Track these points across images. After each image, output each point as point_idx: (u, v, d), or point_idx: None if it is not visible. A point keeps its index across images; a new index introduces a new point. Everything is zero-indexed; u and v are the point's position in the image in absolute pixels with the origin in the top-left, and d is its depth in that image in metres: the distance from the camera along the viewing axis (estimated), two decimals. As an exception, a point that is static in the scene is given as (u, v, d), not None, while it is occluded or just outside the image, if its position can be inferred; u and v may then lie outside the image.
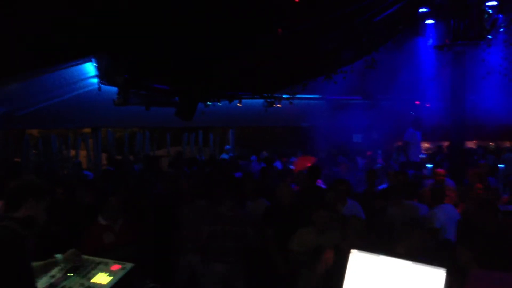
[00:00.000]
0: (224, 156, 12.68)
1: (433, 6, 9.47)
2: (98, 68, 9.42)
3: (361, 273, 2.32)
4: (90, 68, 9.56)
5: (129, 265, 3.14)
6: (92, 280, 3.04)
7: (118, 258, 3.31)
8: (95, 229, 4.85)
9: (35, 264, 2.93)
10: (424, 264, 2.17)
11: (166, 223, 5.55)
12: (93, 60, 9.10)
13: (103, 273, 3.09)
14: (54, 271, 3.14)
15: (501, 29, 9.06)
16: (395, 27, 9.53)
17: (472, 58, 9.65)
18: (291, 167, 10.63)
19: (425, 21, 9.80)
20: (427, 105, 13.03)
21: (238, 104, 12.65)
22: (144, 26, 7.77)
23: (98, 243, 4.64)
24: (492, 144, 16.31)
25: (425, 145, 12.86)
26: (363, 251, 2.37)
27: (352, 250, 2.39)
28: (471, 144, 15.71)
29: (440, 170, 6.97)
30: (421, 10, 9.48)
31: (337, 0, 8.48)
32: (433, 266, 2.14)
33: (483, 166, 8.99)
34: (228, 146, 14.44)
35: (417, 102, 13.59)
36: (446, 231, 5.29)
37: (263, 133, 16.39)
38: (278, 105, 12.95)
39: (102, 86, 10.02)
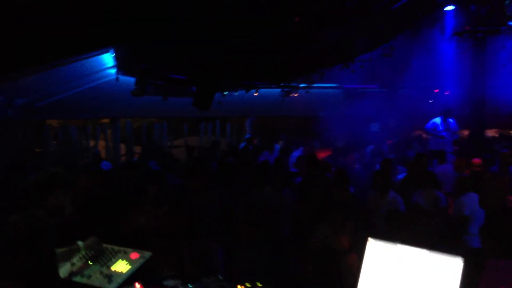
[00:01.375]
0: (243, 145, 12.70)
1: (453, -8, 9.30)
2: (116, 59, 9.51)
3: (378, 261, 2.32)
4: (108, 58, 9.66)
5: (147, 254, 3.19)
6: (111, 268, 3.09)
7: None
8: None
9: (58, 250, 3.01)
10: (441, 253, 2.16)
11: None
12: (111, 51, 9.19)
13: (122, 261, 3.15)
14: (75, 259, 3.20)
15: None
16: (413, 14, 9.36)
17: (492, 45, 9.46)
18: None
19: (444, 7, 9.62)
20: (446, 93, 12.86)
21: (255, 94, 12.66)
22: (161, 16, 7.80)
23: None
24: (512, 132, 16.05)
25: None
26: (379, 240, 2.36)
27: (369, 239, 2.39)
28: (492, 133, 15.48)
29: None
30: (441, -4, 9.31)
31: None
32: (450, 255, 2.13)
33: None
34: (248, 136, 14.46)
35: (436, 90, 13.43)
36: (474, 219, 5.24)
37: (281, 123, 16.36)
38: (295, 94, 12.92)
39: (120, 76, 10.13)
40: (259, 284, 2.76)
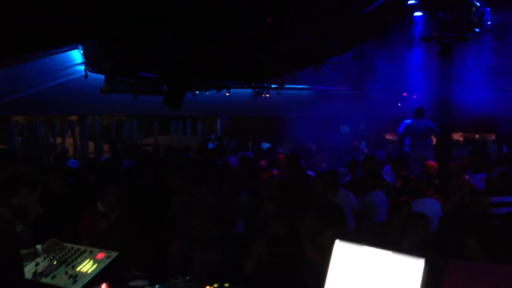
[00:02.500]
0: (210, 145, 12.69)
1: (421, -1, 9.49)
2: (85, 55, 9.35)
3: (344, 262, 2.36)
4: (76, 55, 9.49)
5: (114, 254, 3.15)
6: (77, 269, 3.05)
7: (108, 247, 3.32)
8: (92, 214, 4.85)
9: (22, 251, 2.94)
10: (404, 254, 2.21)
11: (158, 212, 5.56)
12: (80, 47, 9.03)
13: (88, 261, 3.10)
14: (39, 259, 3.14)
15: (489, 22, 9.10)
16: (383, 19, 9.53)
17: (459, 51, 9.70)
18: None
19: (413, 13, 9.82)
20: (414, 96, 13.12)
21: (227, 94, 12.65)
22: (132, 13, 7.71)
23: (92, 229, 4.65)
24: (478, 136, 16.49)
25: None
26: (346, 241, 2.40)
27: (336, 241, 2.42)
28: (457, 136, 15.87)
29: (432, 163, 7.02)
30: (410, 2, 9.49)
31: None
32: (412, 256, 2.18)
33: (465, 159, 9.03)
34: (213, 136, 14.45)
35: (404, 94, 13.70)
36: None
37: (251, 123, 16.40)
38: (267, 95, 12.97)
39: (89, 73, 9.96)
40: (226, 285, 2.77)
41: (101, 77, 9.77)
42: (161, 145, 13.74)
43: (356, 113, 13.81)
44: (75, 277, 2.96)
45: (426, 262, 2.12)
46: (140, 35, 8.36)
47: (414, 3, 9.46)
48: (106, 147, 13.71)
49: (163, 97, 10.16)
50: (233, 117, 17.14)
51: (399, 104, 13.28)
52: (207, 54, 9.26)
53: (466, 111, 11.29)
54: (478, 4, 8.80)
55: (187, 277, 2.90)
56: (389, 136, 15.26)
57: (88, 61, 9.40)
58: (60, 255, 3.21)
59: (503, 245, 4.14)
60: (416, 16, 9.73)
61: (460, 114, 11.03)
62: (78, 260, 3.13)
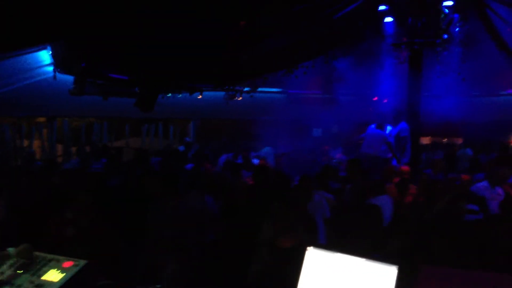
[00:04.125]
0: (182, 148, 12.57)
1: (392, 4, 9.63)
2: (54, 56, 9.16)
3: (317, 270, 2.35)
4: (45, 56, 9.30)
5: (82, 262, 3.04)
6: (42, 278, 2.93)
7: (75, 254, 3.22)
8: (58, 220, 4.72)
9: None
10: (377, 261, 2.21)
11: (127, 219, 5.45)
12: (48, 47, 8.85)
13: (55, 270, 2.99)
14: (3, 268, 3.02)
15: (457, 29, 9.30)
16: (355, 24, 9.63)
17: (428, 56, 9.88)
18: (255, 161, 10.59)
19: (384, 18, 9.95)
20: (385, 101, 13.30)
21: (199, 96, 12.58)
22: (103, 14, 7.59)
23: (59, 236, 4.52)
24: (445, 140, 16.81)
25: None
26: (319, 248, 2.39)
27: (308, 247, 2.41)
28: (425, 140, 16.14)
29: (405, 168, 7.12)
30: (381, 7, 9.62)
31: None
32: (385, 263, 2.18)
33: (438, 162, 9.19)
34: (188, 139, 14.32)
35: (375, 98, 13.86)
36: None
37: (224, 126, 16.34)
38: (239, 98, 12.95)
39: (58, 74, 9.76)
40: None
41: (71, 78, 9.59)
42: (132, 147, 13.55)
43: (328, 116, 13.91)
44: (41, 286, 2.85)
45: (399, 270, 2.13)
46: (111, 36, 8.25)
47: (385, 9, 9.61)
48: (74, 149, 13.46)
49: (135, 99, 10.05)
50: (204, 119, 17.04)
51: (371, 109, 13.44)
52: (179, 56, 9.20)
53: (434, 116, 11.51)
54: (446, 11, 8.98)
55: (158, 286, 2.84)
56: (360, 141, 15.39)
57: (57, 62, 9.21)
58: (26, 264, 3.09)
59: (469, 251, 4.23)
60: (387, 22, 9.86)
61: (428, 119, 11.24)
62: (44, 268, 3.02)
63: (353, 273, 2.24)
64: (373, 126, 10.37)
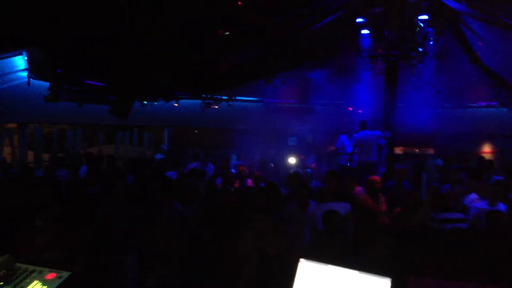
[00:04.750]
0: (159, 156, 12.46)
1: (368, 17, 9.83)
2: (29, 62, 9.00)
3: (310, 282, 2.36)
4: (20, 61, 9.13)
5: (65, 274, 2.98)
6: (26, 291, 2.87)
7: (47, 263, 3.15)
8: (28, 230, 4.61)
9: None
10: (370, 274, 2.24)
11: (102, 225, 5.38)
12: (24, 53, 8.69)
13: (37, 282, 2.92)
14: (-17, 281, 2.93)
15: (431, 43, 9.54)
16: (333, 35, 9.78)
17: (403, 68, 10.08)
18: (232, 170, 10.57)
19: (361, 31, 10.14)
20: (359, 111, 13.48)
21: (175, 104, 12.52)
22: (80, 20, 7.51)
23: (29, 246, 4.41)
24: (417, 150, 17.11)
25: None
26: (311, 260, 2.40)
27: (300, 259, 2.42)
28: (398, 150, 16.39)
29: (376, 178, 7.22)
30: (358, 20, 9.80)
31: (277, 7, 8.60)
32: (378, 276, 2.21)
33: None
34: (164, 146, 14.21)
35: (350, 108, 14.04)
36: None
37: (200, 134, 16.29)
38: (216, 107, 12.94)
39: (32, 80, 9.58)
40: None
41: (45, 84, 9.42)
42: (106, 155, 13.34)
43: (304, 126, 14.01)
44: (24, 299, 2.78)
45: (392, 282, 2.16)
46: (87, 43, 8.16)
47: (362, 21, 9.78)
48: (46, 156, 13.17)
49: (110, 106, 9.92)
50: (179, 128, 16.94)
51: (346, 119, 13.61)
52: (158, 64, 9.15)
53: (407, 127, 11.72)
54: (421, 24, 9.21)
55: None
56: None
57: (32, 68, 9.04)
58: (6, 276, 3.00)
59: (450, 260, 4.31)
60: (363, 34, 10.04)
61: (401, 129, 11.44)
62: (27, 281, 2.94)
63: (346, 286, 2.26)
64: (344, 136, 10.56)
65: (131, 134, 15.30)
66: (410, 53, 9.64)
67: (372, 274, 2.23)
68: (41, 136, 13.55)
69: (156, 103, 12.19)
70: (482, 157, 12.57)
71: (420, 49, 9.43)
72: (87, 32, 7.80)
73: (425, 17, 9.22)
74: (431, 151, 16.32)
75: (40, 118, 12.87)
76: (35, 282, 2.94)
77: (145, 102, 11.71)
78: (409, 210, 5.41)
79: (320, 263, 2.38)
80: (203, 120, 13.55)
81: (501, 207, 6.33)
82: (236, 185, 8.42)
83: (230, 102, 12.34)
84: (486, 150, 13.82)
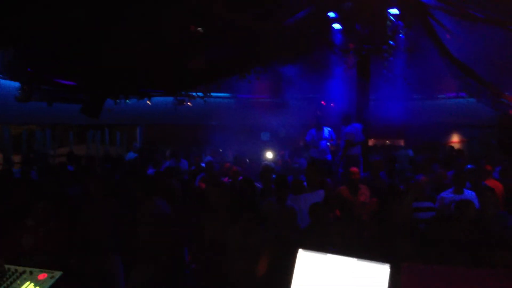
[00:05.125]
0: (132, 154, 12.32)
1: (340, 12, 9.93)
2: (-1, 62, 8.77)
3: (309, 272, 2.40)
4: (-12, 61, 8.87)
5: (57, 274, 2.95)
6: (19, 292, 2.82)
7: (36, 264, 3.10)
8: (17, 231, 4.54)
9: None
10: (369, 261, 2.29)
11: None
12: (-7, 52, 8.46)
13: (30, 282, 2.88)
14: (-28, 285, 2.87)
15: (402, 36, 9.70)
16: (305, 30, 9.83)
17: (375, 62, 10.24)
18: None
19: (332, 25, 10.24)
20: (332, 105, 13.65)
21: (148, 102, 12.40)
22: (50, 18, 7.36)
23: (16, 247, 4.35)
24: (388, 142, 17.45)
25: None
26: (309, 250, 2.44)
27: (299, 250, 2.46)
28: (370, 142, 16.67)
29: (354, 169, 7.34)
30: (330, 14, 9.89)
31: (248, 1, 8.60)
32: (377, 262, 2.27)
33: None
34: (136, 144, 14.06)
35: (322, 102, 14.20)
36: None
37: (172, 131, 16.15)
38: (189, 103, 12.87)
39: (0, 80, 9.36)
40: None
41: (14, 84, 9.20)
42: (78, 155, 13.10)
43: (277, 120, 14.10)
44: (18, 301, 2.74)
45: (391, 268, 2.22)
46: (57, 41, 8.01)
47: (334, 16, 9.88)
48: (17, 158, 12.85)
49: (80, 105, 9.75)
50: (152, 125, 16.78)
51: (318, 113, 13.74)
52: (129, 62, 9.03)
53: (378, 119, 11.94)
54: (392, 18, 9.36)
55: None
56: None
57: (1, 68, 8.81)
58: (-2, 277, 2.95)
59: (431, 247, 4.44)
60: (336, 28, 10.15)
61: (373, 122, 11.65)
62: (18, 282, 2.89)
63: (346, 274, 2.31)
64: (313, 129, 10.69)
65: (102, 133, 15.06)
66: (381, 47, 9.79)
67: (371, 261, 2.28)
68: (9, 137, 13.22)
69: (128, 101, 12.04)
70: (452, 147, 12.92)
71: (392, 43, 9.59)
72: (57, 30, 7.66)
73: (395, 11, 9.38)
74: (401, 142, 16.68)
75: (8, 119, 12.57)
76: (27, 283, 2.90)
77: (118, 101, 11.54)
78: (392, 201, 5.52)
79: (319, 252, 2.43)
80: (175, 117, 13.47)
81: (468, 193, 6.54)
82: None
83: (204, 99, 12.28)
84: (455, 140, 14.20)
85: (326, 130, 10.70)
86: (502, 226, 5.41)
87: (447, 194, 6.61)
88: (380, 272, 2.24)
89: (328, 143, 10.65)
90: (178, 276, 5.25)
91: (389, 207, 5.26)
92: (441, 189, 7.05)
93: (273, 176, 7.95)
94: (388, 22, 9.47)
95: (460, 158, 10.01)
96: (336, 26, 10.14)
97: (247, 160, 10.32)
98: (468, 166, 8.40)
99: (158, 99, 12.61)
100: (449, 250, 4.34)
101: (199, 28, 9.08)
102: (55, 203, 4.88)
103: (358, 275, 2.28)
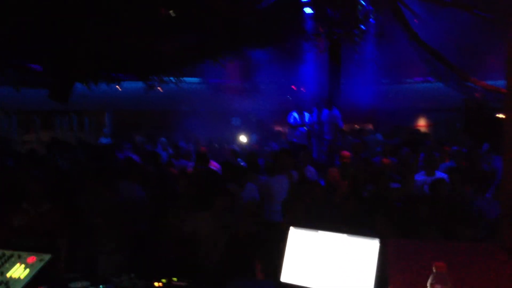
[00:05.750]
0: (103, 140, 12.15)
1: (311, -4, 10.00)
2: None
3: (301, 249, 2.46)
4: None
5: (46, 257, 2.92)
6: (7, 275, 2.79)
7: (21, 248, 3.08)
8: (11, 211, 4.48)
9: None
10: (359, 236, 2.37)
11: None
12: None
13: (19, 266, 2.85)
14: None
15: (372, 21, 9.85)
16: (277, 14, 9.85)
17: (346, 47, 10.37)
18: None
19: (303, 9, 10.29)
20: (302, 89, 13.74)
21: (117, 87, 12.18)
22: (15, 1, 7.17)
23: (7, 226, 4.29)
24: (357, 126, 17.67)
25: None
26: (301, 228, 2.50)
27: (290, 227, 2.51)
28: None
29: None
30: (301, -1, 9.95)
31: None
32: (367, 237, 2.34)
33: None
34: (106, 130, 13.85)
35: (293, 87, 14.27)
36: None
37: (142, 117, 15.96)
38: (159, 88, 12.70)
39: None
40: (175, 279, 2.74)
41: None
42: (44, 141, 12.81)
43: (247, 105, 14.09)
44: (7, 283, 2.71)
45: (381, 242, 2.30)
46: (23, 25, 7.80)
47: (306, 0, 9.93)
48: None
49: (44, 90, 9.53)
50: (120, 111, 16.52)
51: (289, 97, 13.82)
52: (98, 45, 8.86)
53: (348, 104, 12.10)
54: (363, 3, 9.48)
55: (132, 275, 2.80)
56: (278, 128, 15.77)
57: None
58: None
59: (408, 223, 4.61)
60: (307, 13, 10.20)
61: (343, 106, 11.80)
62: (7, 265, 2.86)
63: (337, 249, 2.38)
64: (294, 112, 10.77)
65: (70, 119, 14.76)
66: (352, 31, 9.91)
67: (361, 236, 2.36)
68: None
69: (96, 86, 11.80)
70: (417, 130, 13.25)
71: (362, 27, 9.73)
72: (23, 13, 7.45)
73: (366, -5, 9.52)
74: (370, 126, 16.94)
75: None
76: (17, 265, 2.88)
77: (88, 85, 11.30)
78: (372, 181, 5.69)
79: (310, 229, 2.49)
80: (145, 102, 13.28)
81: (439, 175, 6.76)
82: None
83: (172, 84, 12.16)
84: (422, 123, 14.54)
85: (307, 115, 10.81)
86: (469, 204, 5.72)
87: (419, 177, 6.81)
88: (370, 247, 2.31)
89: (305, 128, 10.78)
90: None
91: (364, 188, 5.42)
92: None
93: (239, 160, 8.11)
94: (359, 7, 9.59)
95: (429, 141, 10.28)
96: (308, 10, 10.19)
97: (216, 145, 10.34)
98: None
99: (127, 84, 12.41)
100: (423, 226, 4.51)
101: (170, 11, 8.97)
102: (47, 185, 4.83)
103: (349, 250, 2.35)
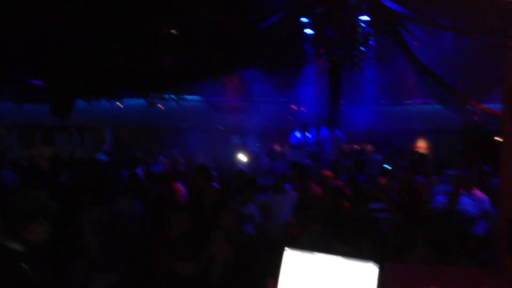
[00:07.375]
0: (101, 156, 12.13)
1: (312, 17, 10.09)
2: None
3: (296, 271, 2.44)
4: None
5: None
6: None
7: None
8: None
9: None
10: (356, 260, 2.35)
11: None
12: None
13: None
14: None
15: (372, 42, 9.94)
16: (278, 34, 9.96)
17: (346, 68, 10.44)
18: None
19: (304, 30, 10.39)
20: (302, 109, 13.78)
21: (118, 103, 12.25)
22: (19, 17, 7.24)
23: None
24: (357, 147, 17.67)
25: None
26: (296, 249, 2.49)
27: (286, 248, 2.50)
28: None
29: (328, 173, 7.47)
30: (302, 20, 10.04)
31: (222, 4, 8.65)
32: (365, 261, 2.33)
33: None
34: (105, 146, 13.86)
35: (293, 106, 14.32)
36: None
37: (142, 134, 15.99)
38: (159, 105, 12.76)
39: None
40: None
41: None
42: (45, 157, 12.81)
43: (247, 124, 14.13)
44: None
45: (379, 267, 2.29)
46: (27, 41, 7.87)
47: (306, 21, 10.03)
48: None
49: (50, 106, 9.58)
50: (120, 128, 16.56)
51: (289, 116, 13.85)
52: (100, 62, 8.94)
53: (348, 124, 12.13)
54: (363, 25, 9.58)
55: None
56: (277, 147, 15.77)
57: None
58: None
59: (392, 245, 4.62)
60: (308, 34, 10.30)
61: (343, 126, 11.83)
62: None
63: (333, 272, 2.36)
64: (296, 132, 10.79)
65: (70, 135, 14.79)
66: (352, 52, 10.00)
67: (358, 260, 2.35)
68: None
69: (97, 102, 11.86)
70: (416, 152, 13.25)
71: (362, 49, 9.81)
72: (27, 30, 7.52)
73: (366, 18, 9.60)
74: (369, 147, 16.94)
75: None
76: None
77: (89, 102, 11.36)
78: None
79: (305, 251, 2.48)
80: (145, 119, 13.33)
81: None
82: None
83: (173, 102, 12.22)
84: (422, 145, 14.55)
85: (307, 134, 10.85)
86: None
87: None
88: (367, 271, 2.30)
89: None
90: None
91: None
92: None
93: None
94: (359, 29, 9.69)
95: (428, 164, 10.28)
96: (309, 31, 10.29)
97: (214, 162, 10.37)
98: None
99: (128, 101, 12.48)
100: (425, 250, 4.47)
101: (172, 30, 9.07)
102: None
103: (346, 273, 2.34)
